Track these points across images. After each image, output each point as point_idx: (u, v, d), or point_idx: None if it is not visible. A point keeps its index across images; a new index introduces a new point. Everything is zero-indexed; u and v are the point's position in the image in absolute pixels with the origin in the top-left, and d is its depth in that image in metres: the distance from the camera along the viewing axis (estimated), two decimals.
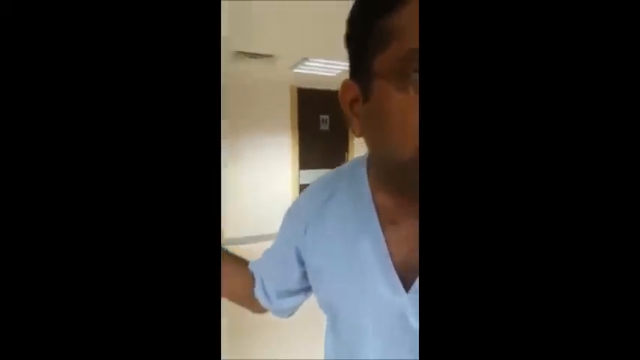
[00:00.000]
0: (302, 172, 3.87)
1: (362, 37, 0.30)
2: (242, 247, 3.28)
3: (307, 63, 3.13)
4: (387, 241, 0.35)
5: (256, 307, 0.51)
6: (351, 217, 0.38)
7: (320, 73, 3.47)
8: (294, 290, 0.47)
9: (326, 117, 3.99)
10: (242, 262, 0.51)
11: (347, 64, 0.33)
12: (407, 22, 0.26)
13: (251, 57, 2.96)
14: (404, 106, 0.27)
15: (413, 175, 0.26)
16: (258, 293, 0.48)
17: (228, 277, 0.49)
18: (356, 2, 0.31)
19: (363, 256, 0.36)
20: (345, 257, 0.37)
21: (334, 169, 0.44)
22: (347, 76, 0.33)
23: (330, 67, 3.27)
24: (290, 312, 0.49)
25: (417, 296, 0.33)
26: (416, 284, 0.33)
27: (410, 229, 0.34)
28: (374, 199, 0.37)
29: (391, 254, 0.35)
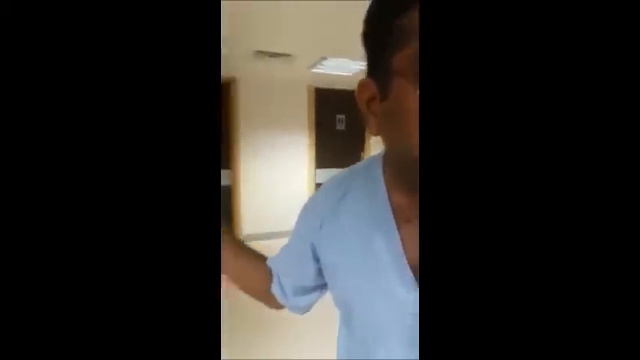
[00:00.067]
0: (318, 171, 3.88)
1: (380, 35, 0.30)
2: (261, 242, 3.33)
3: (325, 62, 3.13)
4: (401, 240, 0.35)
5: (273, 303, 0.51)
6: (366, 215, 0.38)
7: (337, 73, 3.47)
8: (309, 287, 0.47)
9: (342, 117, 3.98)
10: (261, 258, 0.52)
11: (364, 63, 0.33)
12: None
13: (271, 56, 2.99)
14: None
15: None
16: (275, 289, 0.49)
17: (246, 273, 0.50)
18: (373, 0, 0.31)
19: (377, 253, 0.36)
20: (359, 254, 0.37)
21: (349, 167, 0.44)
22: (364, 75, 0.34)
23: (347, 67, 3.26)
24: (306, 309, 0.50)
25: None
26: None
27: None
28: (389, 197, 0.37)
29: (406, 252, 0.35)
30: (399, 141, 0.31)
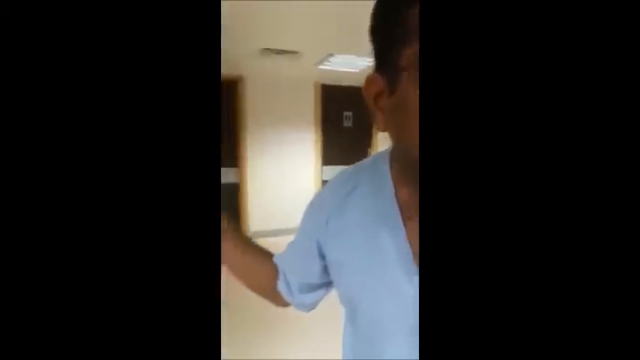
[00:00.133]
0: (325, 167, 3.88)
1: (388, 30, 0.29)
2: (268, 239, 3.35)
3: (332, 59, 3.12)
4: (408, 236, 0.35)
5: (279, 301, 0.51)
6: (372, 211, 0.38)
7: (344, 69, 3.45)
8: (315, 284, 0.47)
9: (349, 113, 3.97)
10: (267, 255, 0.51)
11: (371, 59, 0.33)
12: None
13: (277, 53, 2.99)
14: None
15: None
16: (281, 286, 0.49)
17: (253, 270, 0.50)
18: None
19: (383, 250, 0.36)
20: (365, 251, 0.37)
21: (355, 164, 0.44)
22: (371, 71, 0.33)
23: (354, 63, 3.24)
24: (311, 306, 0.50)
25: None
26: None
27: None
28: (396, 194, 0.37)
29: (412, 249, 0.35)
30: (406, 137, 0.31)
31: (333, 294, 0.46)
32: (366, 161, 0.43)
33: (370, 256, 0.37)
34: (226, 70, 3.32)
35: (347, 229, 0.39)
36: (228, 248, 0.48)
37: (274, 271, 0.50)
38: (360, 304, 0.39)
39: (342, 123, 3.96)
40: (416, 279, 0.34)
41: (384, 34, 0.30)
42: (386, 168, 0.39)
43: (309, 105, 3.73)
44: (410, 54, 0.28)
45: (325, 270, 0.44)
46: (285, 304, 0.52)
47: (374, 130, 3.64)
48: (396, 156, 0.38)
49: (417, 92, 0.28)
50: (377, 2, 0.31)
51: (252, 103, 3.49)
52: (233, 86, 3.45)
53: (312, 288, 0.47)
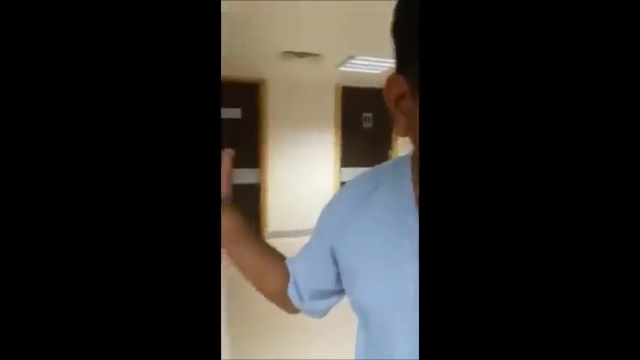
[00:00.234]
0: (343, 169, 3.87)
1: (410, 29, 0.27)
2: (286, 240, 3.38)
3: (353, 61, 3.11)
4: None
5: (289, 307, 0.49)
6: (390, 217, 0.37)
7: (365, 71, 3.44)
8: (327, 291, 0.45)
9: (369, 115, 3.94)
10: (280, 258, 0.49)
11: (393, 60, 0.32)
12: None
13: (299, 56, 3.02)
14: None
15: None
16: (291, 292, 0.47)
17: (265, 273, 0.48)
18: None
19: (400, 258, 0.35)
20: (380, 259, 0.36)
21: (376, 167, 0.42)
22: (392, 72, 0.33)
23: (375, 65, 3.22)
24: (322, 314, 0.48)
25: None
26: None
27: None
28: (416, 199, 0.36)
29: None
30: None
31: (346, 299, 0.45)
32: (387, 164, 0.42)
33: (385, 265, 0.36)
34: (248, 73, 3.39)
35: (362, 236, 0.38)
36: (241, 251, 0.47)
37: (285, 275, 0.48)
38: (372, 312, 0.38)
39: (362, 124, 3.94)
40: None
41: (407, 33, 0.29)
42: (407, 171, 0.37)
43: (330, 107, 3.74)
44: None
45: (338, 277, 0.43)
46: (295, 311, 0.50)
47: (394, 132, 3.59)
48: (417, 160, 0.37)
49: None
50: (399, 0, 0.30)
51: (273, 105, 3.55)
52: (255, 89, 3.52)
53: (324, 295, 0.46)
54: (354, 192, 0.41)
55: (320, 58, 3.07)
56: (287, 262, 0.49)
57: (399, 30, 0.30)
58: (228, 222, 0.45)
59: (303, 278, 0.46)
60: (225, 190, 0.44)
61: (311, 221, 0.48)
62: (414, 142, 0.32)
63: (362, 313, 0.39)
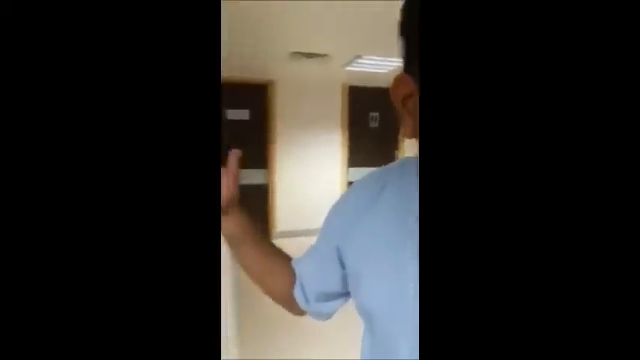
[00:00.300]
0: (350, 169, 3.86)
1: (418, 27, 0.27)
2: (294, 240, 3.39)
3: (360, 60, 3.11)
4: None
5: (295, 309, 0.48)
6: (396, 219, 0.36)
7: (372, 71, 3.43)
8: (333, 293, 0.45)
9: (375, 114, 3.92)
10: (286, 259, 0.49)
11: (400, 60, 0.32)
12: None
13: (308, 57, 3.03)
14: None
15: None
16: (297, 293, 0.46)
17: (272, 274, 0.48)
18: None
19: (403, 260, 0.34)
20: (385, 260, 0.36)
21: (382, 167, 0.42)
22: (400, 72, 0.32)
23: (382, 64, 3.20)
24: (328, 316, 0.47)
25: None
26: None
27: None
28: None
29: None
30: None
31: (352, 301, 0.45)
32: (393, 164, 0.41)
33: (390, 268, 0.35)
34: (257, 74, 3.41)
35: (369, 236, 0.38)
36: (247, 252, 0.46)
37: (291, 276, 0.47)
38: (376, 315, 0.37)
39: (369, 124, 3.92)
40: None
41: (413, 32, 0.29)
42: (414, 172, 0.37)
43: (337, 107, 3.74)
44: None
45: (344, 279, 0.42)
46: (301, 313, 0.49)
47: (400, 133, 3.56)
48: None
49: None
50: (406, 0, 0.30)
51: (282, 105, 3.56)
52: (263, 90, 3.54)
53: (330, 297, 0.45)
54: (361, 192, 0.41)
55: (328, 58, 3.08)
56: (293, 263, 0.48)
57: (406, 29, 0.30)
58: (234, 223, 0.45)
59: (310, 280, 0.46)
60: (232, 190, 0.44)
61: (319, 221, 0.48)
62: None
63: (366, 316, 0.39)
